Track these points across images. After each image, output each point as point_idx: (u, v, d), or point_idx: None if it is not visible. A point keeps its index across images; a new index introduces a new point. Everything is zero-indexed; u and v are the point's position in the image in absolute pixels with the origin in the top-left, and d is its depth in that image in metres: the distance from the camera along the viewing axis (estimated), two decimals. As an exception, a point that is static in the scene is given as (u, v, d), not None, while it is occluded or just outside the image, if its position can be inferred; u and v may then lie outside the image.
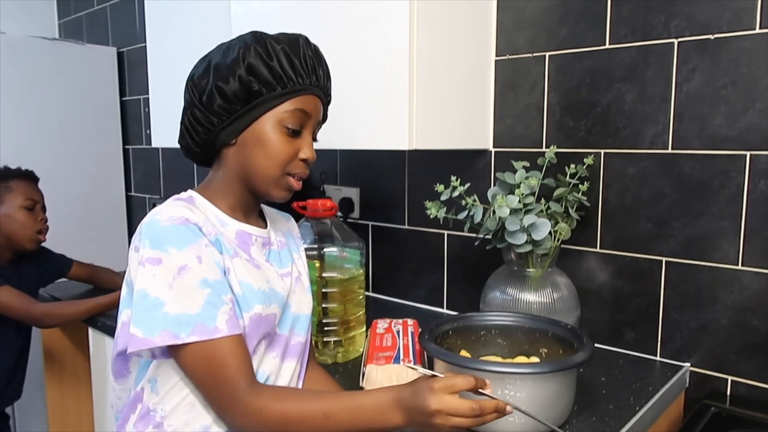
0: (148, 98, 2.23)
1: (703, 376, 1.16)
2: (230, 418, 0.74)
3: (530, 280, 1.21)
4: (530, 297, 1.20)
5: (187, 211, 0.76)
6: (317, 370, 0.97)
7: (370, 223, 1.69)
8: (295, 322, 0.87)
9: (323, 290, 1.18)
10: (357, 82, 1.23)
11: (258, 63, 0.76)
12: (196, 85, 0.80)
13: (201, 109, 0.79)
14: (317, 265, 1.18)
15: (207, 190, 0.84)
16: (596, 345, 1.28)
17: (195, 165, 2.20)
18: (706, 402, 1.09)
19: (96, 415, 1.67)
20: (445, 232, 1.53)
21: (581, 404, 0.99)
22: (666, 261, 1.18)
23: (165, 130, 1.78)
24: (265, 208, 0.95)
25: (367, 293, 1.72)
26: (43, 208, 1.56)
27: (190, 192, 0.83)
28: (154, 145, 1.83)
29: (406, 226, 1.61)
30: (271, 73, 0.77)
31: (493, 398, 0.72)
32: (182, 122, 0.83)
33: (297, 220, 1.20)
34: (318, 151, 1.78)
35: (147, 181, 2.47)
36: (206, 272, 0.74)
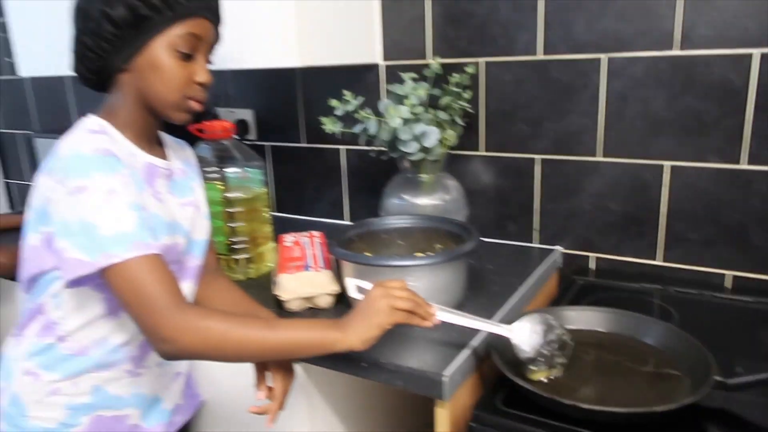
0: (2, 22, 2.02)
1: (572, 256, 1.34)
2: (163, 333, 0.72)
3: (423, 185, 1.31)
4: (424, 201, 1.30)
5: (107, 144, 0.78)
6: (223, 280, 1.01)
7: (268, 144, 1.70)
8: (192, 246, 0.92)
9: (228, 210, 1.21)
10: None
11: None
12: (83, 12, 0.79)
13: (90, 36, 0.79)
14: (220, 186, 1.20)
15: (114, 119, 0.84)
16: (484, 239, 1.43)
17: (74, 95, 2.06)
18: (574, 277, 1.28)
19: None
20: (342, 147, 1.58)
21: (473, 289, 1.12)
22: (540, 158, 1.33)
23: (34, 56, 1.64)
24: (161, 134, 0.95)
25: (273, 213, 1.76)
26: None
27: (97, 121, 0.83)
28: (21, 74, 1.68)
29: (304, 144, 1.64)
30: None
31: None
32: (74, 50, 0.83)
33: (193, 143, 1.20)
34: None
35: (15, 114, 2.27)
36: (132, 197, 0.76)
